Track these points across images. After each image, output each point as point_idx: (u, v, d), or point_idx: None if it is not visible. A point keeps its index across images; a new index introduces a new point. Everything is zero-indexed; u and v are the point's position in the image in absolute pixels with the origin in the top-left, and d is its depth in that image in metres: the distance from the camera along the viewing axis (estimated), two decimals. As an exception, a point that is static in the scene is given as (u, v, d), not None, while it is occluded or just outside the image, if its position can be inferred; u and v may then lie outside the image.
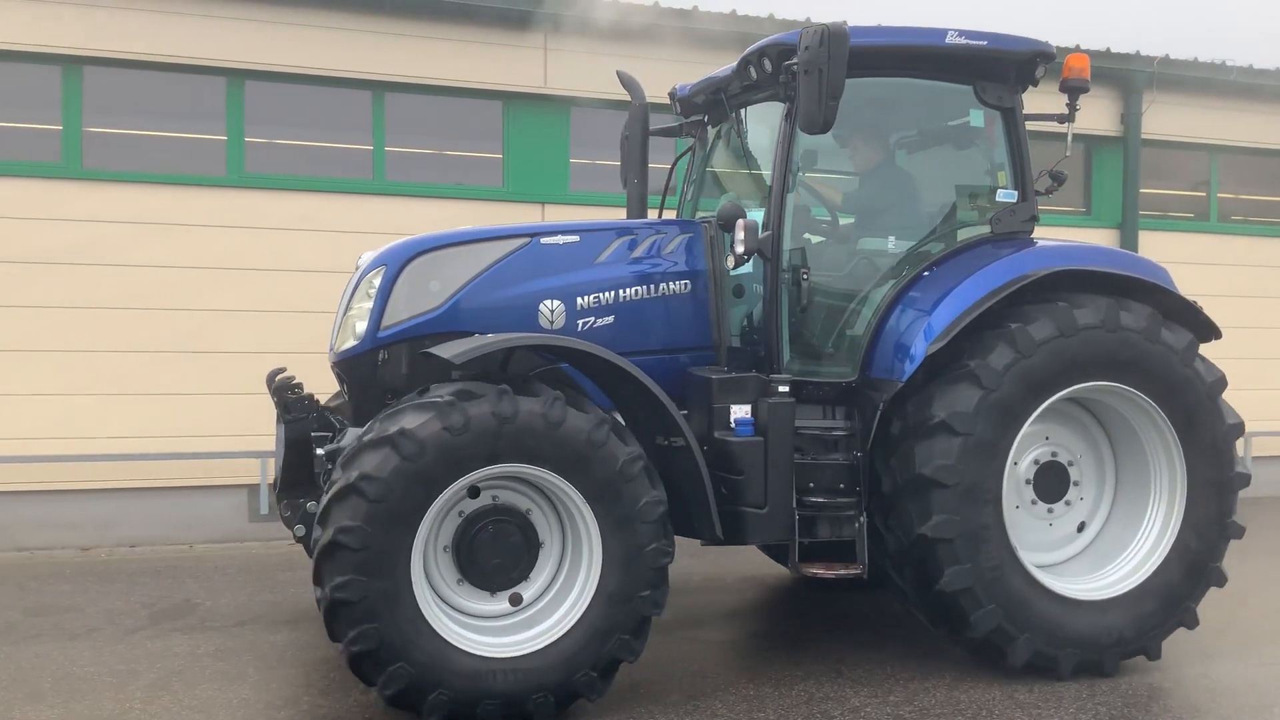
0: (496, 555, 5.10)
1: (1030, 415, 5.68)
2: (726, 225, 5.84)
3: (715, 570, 8.18)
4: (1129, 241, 11.92)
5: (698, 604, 7.30)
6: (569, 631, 5.05)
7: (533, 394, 4.96)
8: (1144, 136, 11.96)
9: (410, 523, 4.80)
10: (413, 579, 4.82)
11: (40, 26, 8.86)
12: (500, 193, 10.18)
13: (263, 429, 7.60)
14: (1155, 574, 5.96)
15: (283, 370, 6.34)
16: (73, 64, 9.04)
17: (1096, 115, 11.73)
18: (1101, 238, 11.87)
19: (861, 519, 5.74)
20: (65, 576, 8.03)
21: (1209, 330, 6.19)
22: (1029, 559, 5.83)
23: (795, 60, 5.50)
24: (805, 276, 5.85)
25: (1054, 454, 6.09)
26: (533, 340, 5.36)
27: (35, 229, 8.90)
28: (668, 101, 7.20)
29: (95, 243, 8.99)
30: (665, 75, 7.45)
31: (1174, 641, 6.09)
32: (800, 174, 6.09)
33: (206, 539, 9.24)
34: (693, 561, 8.09)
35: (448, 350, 5.02)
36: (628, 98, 6.77)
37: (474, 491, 5.07)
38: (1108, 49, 11.61)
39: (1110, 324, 5.72)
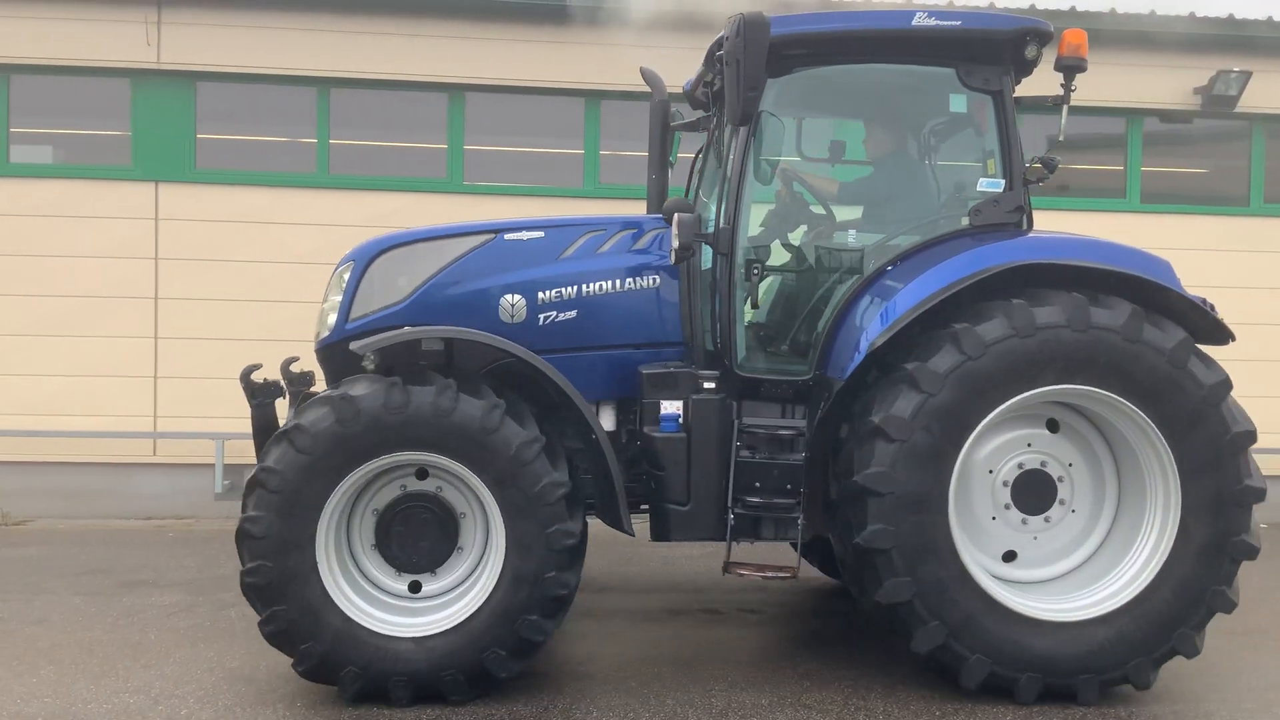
0: (416, 538, 5.36)
1: (982, 421, 5.31)
2: (669, 220, 5.81)
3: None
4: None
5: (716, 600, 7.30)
6: (476, 612, 5.21)
7: (426, 384, 5.16)
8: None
9: (329, 481, 5.09)
10: (318, 534, 5.11)
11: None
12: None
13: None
14: (1141, 597, 5.42)
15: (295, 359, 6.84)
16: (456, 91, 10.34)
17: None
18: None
19: (800, 521, 5.57)
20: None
21: (1219, 333, 5.55)
22: (995, 572, 5.52)
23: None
24: (757, 271, 5.73)
25: (1042, 463, 5.64)
26: (435, 333, 5.51)
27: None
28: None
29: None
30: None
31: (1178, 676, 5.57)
32: (767, 166, 5.94)
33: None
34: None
35: (358, 345, 5.32)
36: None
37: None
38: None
39: (1078, 323, 5.25)
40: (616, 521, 5.58)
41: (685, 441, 5.51)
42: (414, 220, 9.86)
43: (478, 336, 5.45)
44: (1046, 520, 5.64)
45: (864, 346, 5.40)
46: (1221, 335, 5.56)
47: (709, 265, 6.04)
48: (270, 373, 6.33)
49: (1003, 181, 5.81)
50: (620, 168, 10.66)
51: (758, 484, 5.64)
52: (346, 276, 6.02)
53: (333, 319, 6.03)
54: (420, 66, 10.30)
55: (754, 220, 5.98)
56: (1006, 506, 5.61)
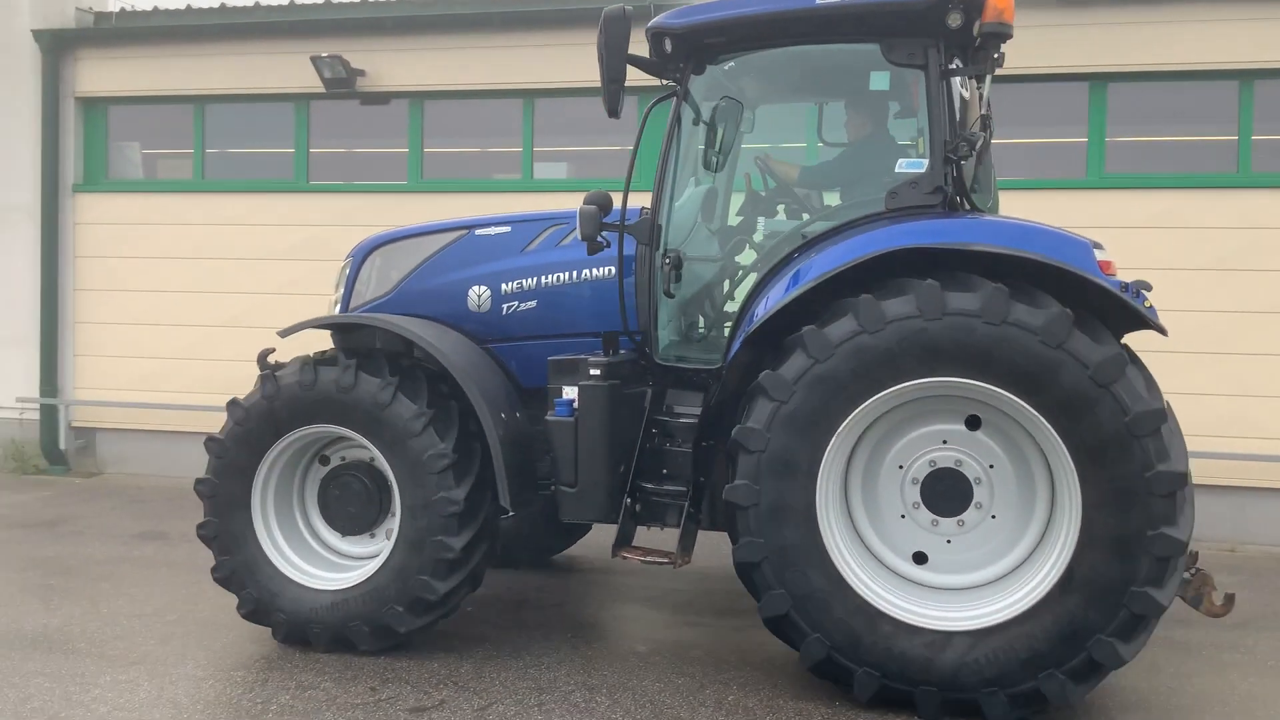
0: (350, 504, 6.01)
1: (841, 424, 5.04)
2: None
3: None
4: None
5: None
6: (379, 570, 5.77)
7: (333, 364, 5.78)
8: None
9: (259, 449, 5.90)
10: (253, 495, 5.89)
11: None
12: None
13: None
14: (1043, 603, 4.93)
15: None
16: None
17: None
18: None
19: (687, 509, 5.57)
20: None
21: (1142, 322, 4.88)
22: (907, 575, 5.26)
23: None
24: (667, 261, 5.76)
25: (933, 461, 5.21)
26: (332, 321, 6.19)
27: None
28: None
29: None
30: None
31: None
32: (712, 157, 5.93)
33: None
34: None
35: (283, 331, 6.08)
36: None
37: (324, 459, 6.12)
38: None
39: (931, 311, 4.86)
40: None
41: (573, 425, 5.69)
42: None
43: (368, 320, 6.14)
44: (964, 522, 5.22)
45: (742, 335, 5.33)
46: (1144, 324, 4.89)
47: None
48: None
49: (925, 161, 5.44)
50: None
51: (664, 471, 5.71)
52: (345, 273, 6.77)
53: (336, 310, 6.80)
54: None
55: (688, 210, 6.03)
56: (933, 521, 5.27)
